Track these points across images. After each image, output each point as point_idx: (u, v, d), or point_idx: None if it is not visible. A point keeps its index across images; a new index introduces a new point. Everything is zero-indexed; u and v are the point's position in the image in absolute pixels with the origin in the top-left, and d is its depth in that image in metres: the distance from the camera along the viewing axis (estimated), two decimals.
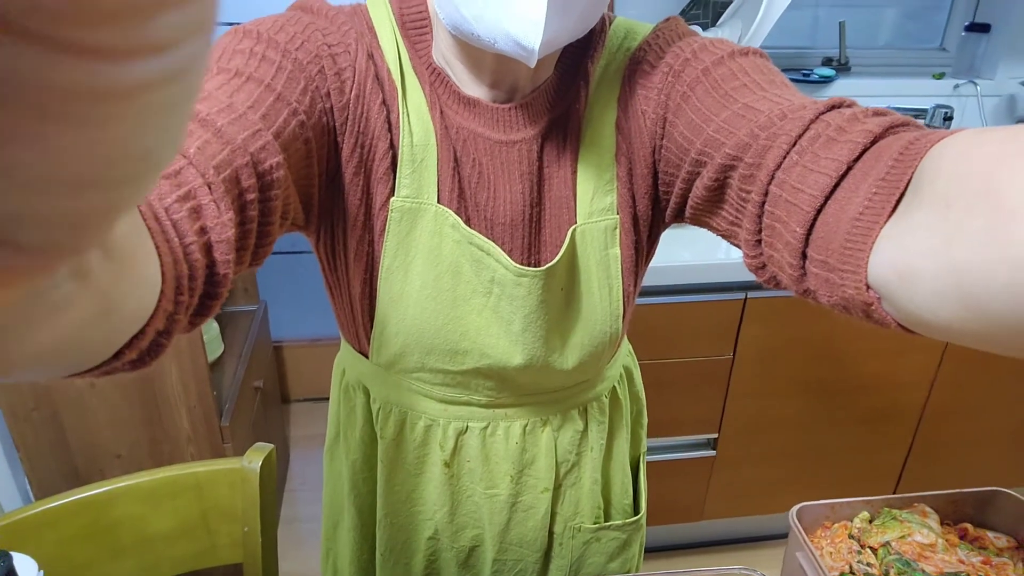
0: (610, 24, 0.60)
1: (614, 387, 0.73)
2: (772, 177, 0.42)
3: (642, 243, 0.62)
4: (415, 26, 0.56)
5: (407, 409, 0.66)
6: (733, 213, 0.48)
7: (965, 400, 1.63)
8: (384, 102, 0.54)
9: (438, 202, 0.56)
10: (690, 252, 1.40)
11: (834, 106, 0.42)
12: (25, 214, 0.12)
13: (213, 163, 0.37)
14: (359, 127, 0.53)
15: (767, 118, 0.44)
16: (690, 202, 0.53)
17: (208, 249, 0.35)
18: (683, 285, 1.38)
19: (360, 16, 0.56)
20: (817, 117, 0.41)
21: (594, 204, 0.58)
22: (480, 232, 0.58)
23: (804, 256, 0.39)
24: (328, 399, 0.78)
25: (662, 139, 0.55)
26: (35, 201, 0.12)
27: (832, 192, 0.37)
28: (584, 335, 0.62)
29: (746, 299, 1.43)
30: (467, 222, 0.58)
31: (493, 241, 0.58)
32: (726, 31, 1.41)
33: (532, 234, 0.59)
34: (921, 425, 1.66)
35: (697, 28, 1.49)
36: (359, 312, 0.62)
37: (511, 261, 0.57)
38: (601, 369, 0.69)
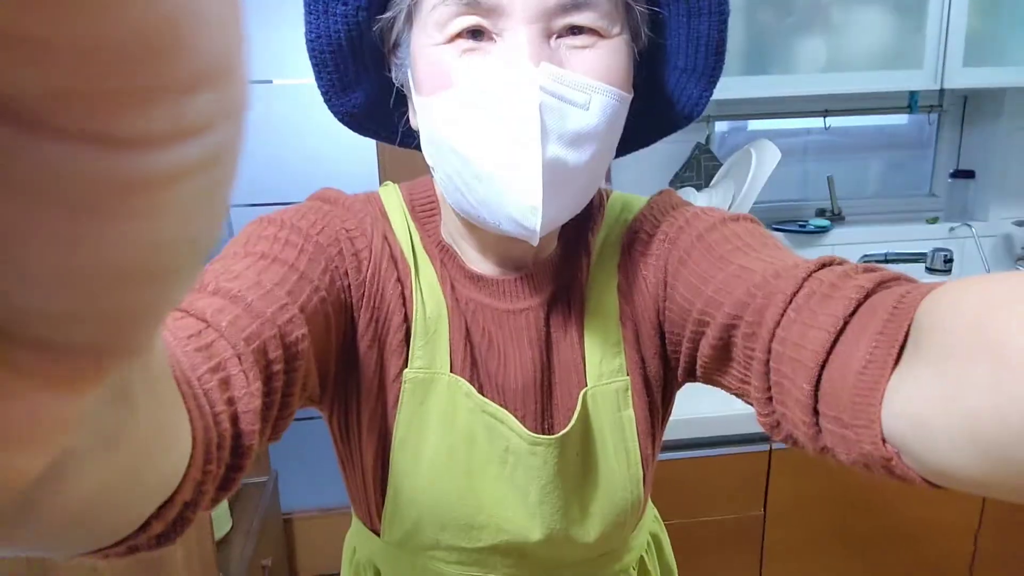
0: (607, 198, 0.63)
1: (642, 557, 0.69)
2: (773, 335, 0.43)
3: (656, 404, 0.62)
4: (424, 210, 0.60)
5: None
6: (742, 371, 0.49)
7: (1018, 543, 1.52)
8: (398, 279, 0.57)
9: (451, 371, 0.57)
10: (709, 403, 1.37)
11: (825, 264, 0.44)
12: (69, 311, 0.11)
13: (243, 335, 0.39)
14: (375, 302, 0.56)
15: (762, 277, 0.46)
16: (699, 361, 0.54)
17: (235, 419, 0.35)
18: (704, 438, 1.35)
19: (374, 203, 0.60)
20: (810, 275, 0.43)
21: (603, 367, 0.59)
22: (492, 400, 0.58)
23: (816, 413, 0.39)
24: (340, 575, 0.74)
25: (664, 301, 0.57)
26: (81, 297, 0.11)
27: (832, 347, 0.38)
28: (605, 503, 0.60)
29: (771, 450, 1.38)
30: (479, 390, 0.58)
31: (506, 408, 0.58)
32: (719, 191, 1.49)
33: (544, 400, 0.59)
34: (973, 574, 1.53)
35: (691, 189, 1.57)
36: (371, 486, 0.61)
37: (524, 429, 0.57)
38: (626, 538, 0.66)
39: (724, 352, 0.50)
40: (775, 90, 1.54)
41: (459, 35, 0.47)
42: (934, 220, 1.99)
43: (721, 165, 1.68)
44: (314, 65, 0.54)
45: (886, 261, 1.76)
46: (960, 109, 2.00)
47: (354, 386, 0.58)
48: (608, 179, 1.79)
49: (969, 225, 1.90)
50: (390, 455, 0.58)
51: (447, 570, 0.62)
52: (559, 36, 0.47)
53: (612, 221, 0.62)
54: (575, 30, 0.47)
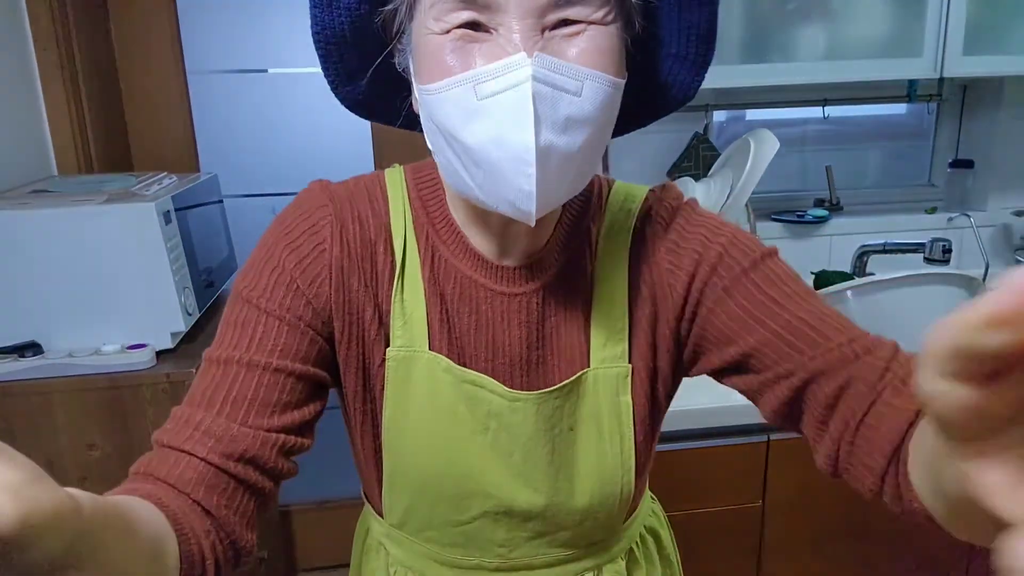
0: (609, 188, 0.65)
1: (631, 549, 0.71)
2: (861, 422, 0.54)
3: (658, 397, 0.64)
4: (427, 189, 0.62)
5: (421, 573, 0.67)
6: (816, 426, 0.61)
7: None
8: (377, 269, 0.60)
9: (429, 349, 0.60)
10: (707, 394, 1.37)
11: (890, 352, 0.54)
12: None
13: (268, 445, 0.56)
14: (345, 306, 0.59)
15: (837, 348, 0.55)
16: (734, 380, 0.63)
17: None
18: (703, 429, 1.34)
19: (375, 185, 0.63)
20: (888, 367, 0.53)
21: (606, 351, 0.61)
22: (477, 371, 0.60)
23: (882, 478, 0.53)
24: (339, 567, 0.76)
25: (696, 318, 0.61)
26: None
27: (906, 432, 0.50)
28: (594, 482, 0.62)
29: (769, 441, 1.38)
30: (464, 365, 0.60)
31: (492, 377, 0.60)
32: (717, 181, 1.47)
33: (532, 374, 0.61)
34: (971, 567, 1.53)
35: (689, 179, 1.56)
36: (371, 472, 0.65)
37: (505, 388, 0.60)
38: (615, 527, 0.67)
39: (796, 405, 0.61)
40: (774, 78, 1.53)
41: (457, 27, 0.49)
42: (933, 210, 1.99)
43: (719, 155, 1.67)
44: (321, 57, 0.57)
45: (884, 251, 1.75)
46: (959, 98, 1.98)
47: (347, 379, 0.62)
48: (606, 168, 1.77)
49: (968, 215, 1.89)
50: (381, 438, 0.62)
51: (442, 553, 0.65)
52: (552, 28, 0.49)
53: (616, 210, 0.63)
54: (567, 22, 0.49)
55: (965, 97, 1.98)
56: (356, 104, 0.62)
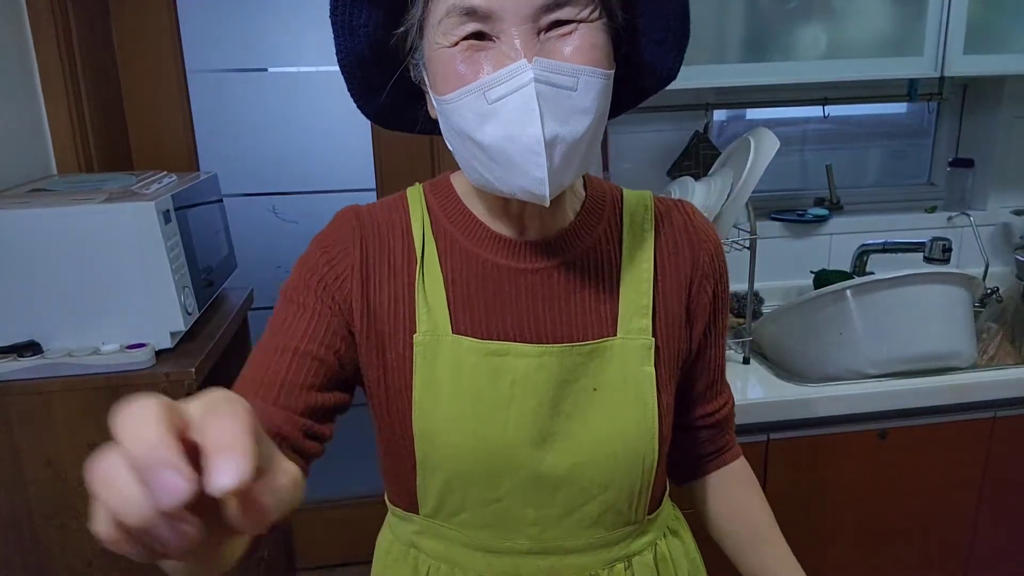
0: (621, 193, 0.74)
1: (657, 543, 0.74)
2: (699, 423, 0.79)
3: (675, 372, 0.71)
4: (442, 197, 0.71)
5: (453, 563, 0.69)
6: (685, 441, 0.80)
7: (1014, 536, 1.52)
8: (406, 266, 0.67)
9: (452, 332, 0.65)
10: None
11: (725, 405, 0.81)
12: None
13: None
14: (368, 303, 0.66)
15: (724, 412, 0.80)
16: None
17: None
18: None
19: (400, 204, 0.71)
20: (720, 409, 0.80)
21: (632, 324, 0.67)
22: (504, 340, 0.66)
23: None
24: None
25: (690, 300, 0.71)
26: None
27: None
28: (617, 443, 0.66)
29: (768, 441, 1.38)
30: (489, 338, 0.66)
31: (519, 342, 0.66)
32: (717, 180, 1.47)
33: (559, 335, 0.67)
34: (970, 566, 1.53)
35: (689, 179, 1.55)
36: (403, 461, 0.68)
37: (531, 346, 0.65)
38: (642, 514, 0.71)
39: (687, 440, 0.80)
40: (774, 77, 1.52)
41: (464, 39, 0.56)
42: (933, 209, 1.98)
43: (719, 154, 1.67)
44: (346, 78, 0.65)
45: (884, 250, 1.75)
46: (960, 97, 1.98)
47: (371, 372, 0.67)
48: (606, 167, 1.77)
49: (968, 214, 1.89)
50: (412, 424, 0.65)
51: (477, 538, 0.68)
52: (547, 30, 0.56)
53: (633, 208, 0.72)
54: (559, 23, 0.56)
55: (965, 96, 1.98)
56: (377, 116, 0.70)
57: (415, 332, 0.65)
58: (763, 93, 1.82)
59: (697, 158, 1.77)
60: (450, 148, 0.63)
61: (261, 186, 1.91)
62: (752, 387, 1.41)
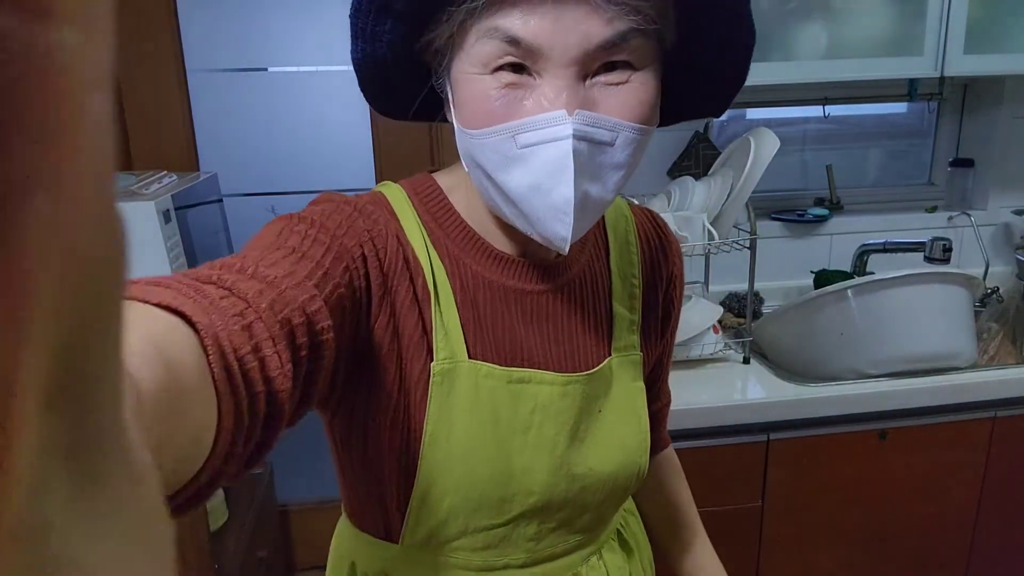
0: None
1: (619, 528, 0.77)
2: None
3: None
4: (437, 207, 0.63)
5: None
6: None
7: (1015, 537, 1.52)
8: (411, 279, 0.59)
9: (469, 358, 0.60)
10: (706, 393, 1.37)
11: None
12: None
13: (278, 318, 0.41)
14: (393, 306, 0.58)
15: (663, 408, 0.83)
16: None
17: (271, 398, 0.38)
18: (702, 429, 1.34)
19: (381, 203, 0.61)
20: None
21: (624, 340, 0.68)
22: (526, 367, 0.63)
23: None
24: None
25: (659, 314, 0.73)
26: None
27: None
28: (618, 460, 0.66)
29: (768, 441, 1.38)
30: (510, 364, 0.62)
31: (542, 369, 0.63)
32: (717, 180, 1.47)
33: (573, 362, 0.65)
34: (971, 566, 1.53)
35: (689, 179, 1.55)
36: (391, 491, 0.61)
37: (557, 374, 0.63)
38: (619, 507, 0.74)
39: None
40: (774, 77, 1.53)
41: (500, 68, 0.50)
42: (933, 209, 1.98)
43: (719, 154, 1.67)
44: (360, 75, 0.58)
45: (885, 250, 1.75)
46: (960, 97, 1.98)
47: (368, 391, 0.59)
48: None
49: (968, 214, 1.89)
50: (420, 453, 0.59)
51: (471, 560, 0.63)
52: (595, 74, 0.50)
53: (614, 219, 0.71)
54: (610, 66, 0.50)
55: (966, 96, 1.98)
56: (393, 113, 0.64)
57: (432, 359, 0.59)
58: (763, 93, 1.82)
59: (697, 158, 1.77)
60: (465, 168, 0.58)
61: (261, 186, 1.91)
62: (752, 387, 1.41)
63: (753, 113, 1.94)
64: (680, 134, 1.79)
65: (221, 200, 1.56)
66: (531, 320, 0.64)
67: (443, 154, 1.83)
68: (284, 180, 1.91)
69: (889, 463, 1.43)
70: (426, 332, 0.59)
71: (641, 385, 0.69)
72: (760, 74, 1.52)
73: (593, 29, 0.48)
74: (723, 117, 1.92)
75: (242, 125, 1.86)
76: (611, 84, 0.51)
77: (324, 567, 0.76)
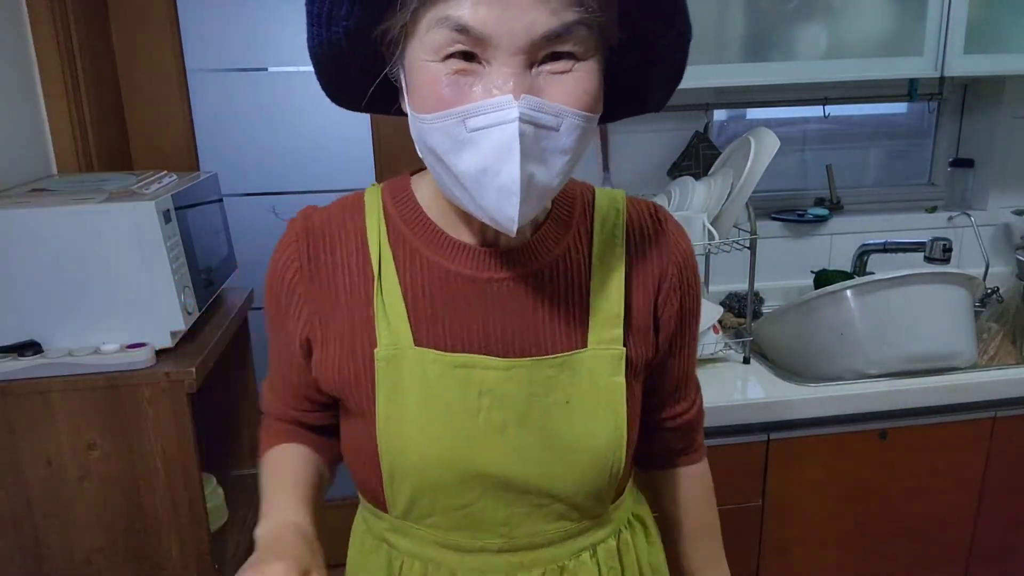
0: (592, 194, 0.72)
1: (620, 531, 0.75)
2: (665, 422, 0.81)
3: (642, 379, 0.73)
4: (401, 203, 0.69)
5: (426, 560, 0.69)
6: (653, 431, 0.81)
7: (1015, 536, 1.52)
8: (361, 274, 0.66)
9: (415, 345, 0.64)
10: (706, 393, 1.36)
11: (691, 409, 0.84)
12: None
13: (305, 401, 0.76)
14: (334, 304, 0.67)
15: (690, 414, 0.83)
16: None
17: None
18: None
19: (354, 206, 0.69)
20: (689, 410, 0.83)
21: (602, 334, 0.66)
22: (470, 353, 0.65)
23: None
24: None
25: (659, 309, 0.71)
26: None
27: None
28: (587, 454, 0.66)
29: (768, 440, 1.38)
30: (455, 350, 0.65)
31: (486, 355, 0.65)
32: (718, 180, 1.47)
33: (528, 348, 0.66)
34: (971, 566, 1.53)
35: (689, 179, 1.55)
36: (369, 469, 0.68)
37: (499, 359, 0.64)
38: (606, 507, 0.72)
39: (654, 431, 0.81)
40: (774, 77, 1.53)
41: (451, 56, 0.53)
42: (933, 209, 1.98)
43: (720, 154, 1.67)
44: (314, 62, 0.61)
45: (885, 250, 1.75)
46: (960, 97, 1.98)
47: (338, 381, 0.67)
48: (606, 168, 1.77)
49: (968, 214, 1.89)
50: (376, 436, 0.65)
51: (448, 539, 0.68)
52: (541, 63, 0.53)
53: (605, 209, 0.71)
54: (555, 55, 0.53)
55: (966, 96, 1.98)
56: (347, 103, 0.67)
57: (375, 347, 0.64)
58: (763, 93, 1.82)
59: (697, 158, 1.77)
60: (420, 155, 0.61)
61: (261, 186, 1.91)
62: (752, 387, 1.41)
63: (753, 113, 1.94)
64: (680, 134, 1.80)
65: (221, 200, 1.56)
66: (489, 308, 0.65)
67: None
68: (284, 180, 1.91)
69: (889, 463, 1.43)
70: (370, 323, 0.65)
71: (621, 381, 0.66)
72: (760, 74, 1.52)
73: (539, 19, 0.51)
74: (723, 117, 1.93)
75: (242, 125, 1.86)
76: (556, 72, 0.54)
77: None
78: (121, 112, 1.76)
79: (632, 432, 0.69)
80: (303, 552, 0.57)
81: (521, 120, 0.51)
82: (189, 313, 1.21)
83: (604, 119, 0.66)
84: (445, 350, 0.64)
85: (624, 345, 0.67)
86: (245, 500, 1.64)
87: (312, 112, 1.87)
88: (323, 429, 0.76)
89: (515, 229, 0.55)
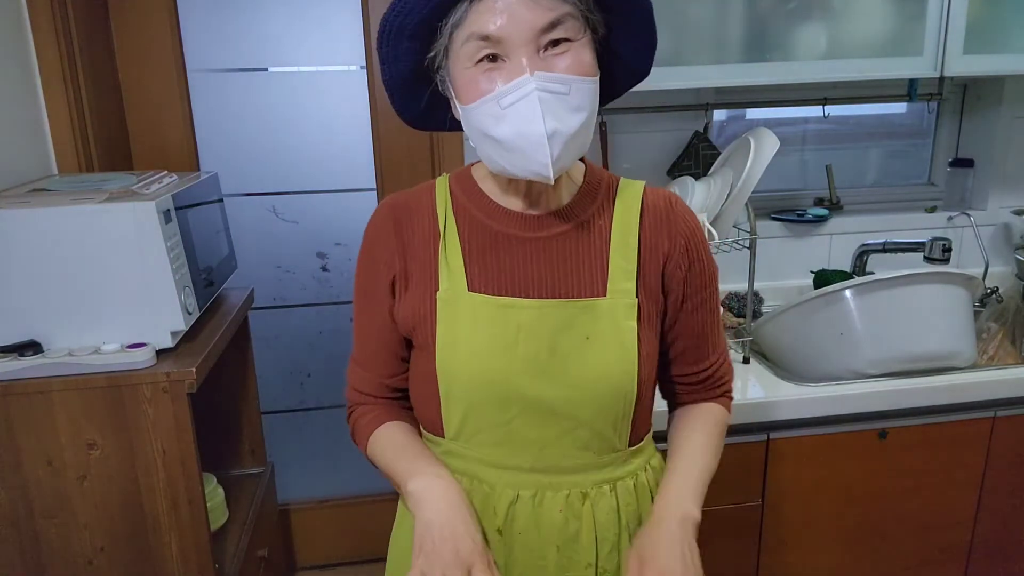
0: (616, 181, 0.88)
1: (638, 474, 0.87)
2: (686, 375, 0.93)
3: (655, 326, 0.85)
4: (464, 184, 0.87)
5: (472, 476, 0.84)
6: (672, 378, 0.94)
7: (1014, 534, 1.52)
8: (433, 239, 0.84)
9: (469, 291, 0.82)
10: None
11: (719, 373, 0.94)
12: None
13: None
14: (412, 258, 0.85)
15: (709, 371, 0.92)
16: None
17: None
18: None
19: (429, 190, 0.87)
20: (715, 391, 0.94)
21: (619, 285, 0.82)
22: (512, 296, 0.81)
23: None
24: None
25: (667, 274, 0.85)
26: None
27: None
28: (603, 380, 0.80)
29: (768, 440, 1.38)
30: (500, 294, 0.81)
31: (525, 297, 0.81)
32: (717, 180, 1.47)
33: (559, 292, 0.81)
34: (970, 565, 1.53)
35: (689, 179, 1.56)
36: (429, 394, 0.84)
37: (533, 300, 0.80)
38: (624, 444, 0.86)
39: (672, 376, 0.94)
40: (774, 77, 1.53)
41: (480, 60, 0.72)
42: (933, 209, 1.99)
43: (719, 153, 1.67)
44: (390, 94, 0.81)
45: (884, 250, 1.75)
46: (960, 97, 1.98)
47: (411, 320, 0.84)
48: (607, 167, 1.77)
49: (968, 214, 1.89)
50: (435, 362, 0.81)
51: (490, 455, 0.83)
52: (545, 49, 0.71)
53: (626, 192, 0.87)
54: (555, 43, 0.71)
55: (965, 96, 1.98)
56: (414, 120, 0.85)
57: (438, 290, 0.82)
58: (763, 93, 1.82)
59: (697, 158, 1.77)
60: (472, 144, 0.79)
61: (261, 186, 1.91)
62: (752, 387, 1.41)
63: (753, 113, 1.94)
64: (680, 134, 1.80)
65: (221, 200, 1.56)
66: (530, 260, 0.82)
67: (443, 155, 1.83)
68: (284, 180, 1.91)
69: (889, 463, 1.43)
70: (436, 273, 0.83)
71: (633, 325, 0.81)
72: (760, 74, 1.52)
73: (536, 18, 0.70)
74: (723, 117, 1.93)
75: (242, 125, 1.86)
76: (558, 54, 0.72)
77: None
78: (121, 112, 1.76)
79: (644, 370, 0.82)
80: (474, 538, 0.76)
81: (538, 89, 0.70)
82: (189, 313, 1.21)
83: (610, 96, 0.85)
84: (492, 294, 0.81)
85: (636, 296, 0.82)
86: (245, 500, 1.64)
87: (312, 112, 1.87)
88: (406, 394, 0.91)
89: (552, 174, 0.72)
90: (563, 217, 0.83)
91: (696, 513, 0.83)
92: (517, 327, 0.80)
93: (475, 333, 0.80)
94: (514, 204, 0.84)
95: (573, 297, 0.81)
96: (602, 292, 0.82)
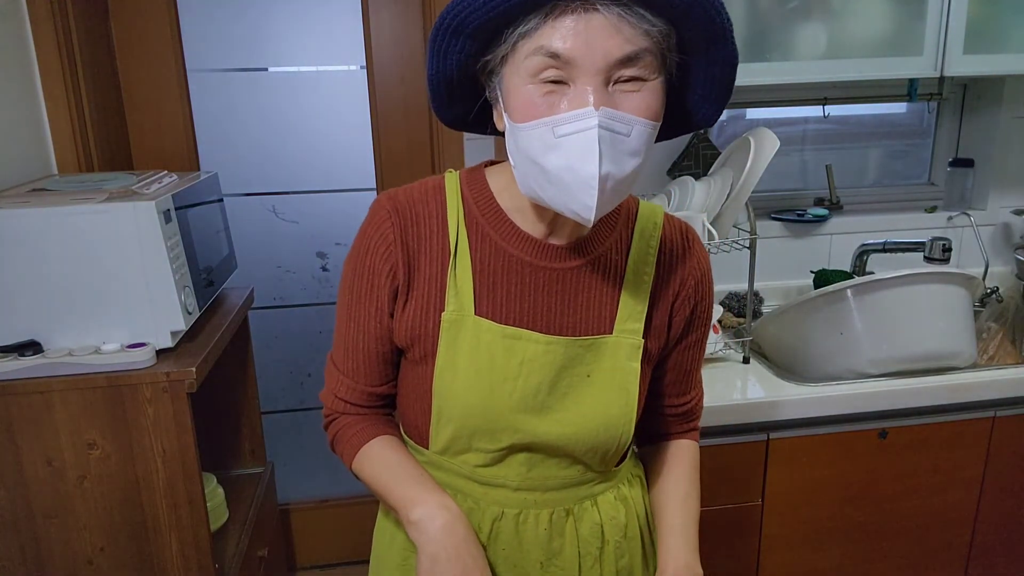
0: (636, 204, 0.85)
1: (620, 486, 0.87)
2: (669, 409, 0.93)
3: (653, 364, 0.84)
4: (478, 193, 0.81)
5: (455, 491, 0.82)
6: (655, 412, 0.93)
7: (1014, 535, 1.52)
8: (441, 250, 0.78)
9: (475, 314, 0.77)
10: (707, 393, 1.36)
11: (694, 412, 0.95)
12: None
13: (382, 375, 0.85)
14: (417, 272, 0.79)
15: (691, 404, 0.94)
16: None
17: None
18: (702, 428, 1.34)
19: (438, 190, 0.80)
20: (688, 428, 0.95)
21: (627, 324, 0.80)
22: (518, 327, 0.77)
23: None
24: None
25: (670, 314, 0.84)
26: None
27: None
28: (600, 421, 0.79)
29: (768, 440, 1.38)
30: (506, 323, 0.78)
31: (531, 330, 0.78)
32: (717, 180, 1.47)
33: (565, 328, 0.78)
34: (970, 565, 1.53)
35: (689, 178, 1.55)
36: (420, 410, 0.82)
37: (541, 335, 0.77)
38: (611, 467, 0.85)
39: (657, 411, 0.92)
40: (774, 77, 1.53)
41: (543, 79, 0.65)
42: (933, 209, 1.99)
43: (719, 153, 1.67)
44: (431, 89, 0.75)
45: (884, 250, 1.75)
46: (960, 97, 1.98)
47: (410, 333, 0.79)
48: None
49: (968, 214, 1.89)
50: (433, 382, 0.78)
51: (476, 473, 0.81)
52: (615, 83, 0.65)
53: (645, 221, 0.83)
54: (627, 77, 0.65)
55: (965, 96, 1.98)
56: (452, 122, 0.80)
57: (443, 310, 0.77)
58: (763, 93, 1.82)
59: (697, 158, 1.77)
60: (511, 162, 0.73)
61: (261, 186, 1.91)
62: (752, 387, 1.41)
63: (753, 113, 1.94)
64: None
65: (221, 200, 1.56)
66: (540, 291, 0.78)
67: (443, 155, 1.83)
68: (284, 180, 1.91)
69: (889, 462, 1.43)
70: (442, 290, 0.78)
71: (636, 366, 0.79)
72: (760, 74, 1.52)
73: (614, 47, 0.63)
74: (723, 117, 1.93)
75: (242, 125, 1.86)
76: (627, 91, 0.65)
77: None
78: (121, 112, 1.76)
79: (639, 409, 0.81)
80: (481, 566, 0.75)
81: (600, 127, 0.63)
82: (189, 313, 1.21)
83: (659, 138, 0.77)
84: (498, 321, 0.77)
85: (643, 337, 0.80)
86: (245, 500, 1.64)
87: (312, 112, 1.87)
88: (391, 402, 0.87)
89: (592, 219, 0.67)
90: (580, 251, 0.79)
91: (700, 570, 0.84)
92: (521, 361, 0.76)
93: (476, 360, 0.76)
94: (534, 229, 0.78)
95: (580, 334, 0.78)
96: (609, 329, 0.79)
